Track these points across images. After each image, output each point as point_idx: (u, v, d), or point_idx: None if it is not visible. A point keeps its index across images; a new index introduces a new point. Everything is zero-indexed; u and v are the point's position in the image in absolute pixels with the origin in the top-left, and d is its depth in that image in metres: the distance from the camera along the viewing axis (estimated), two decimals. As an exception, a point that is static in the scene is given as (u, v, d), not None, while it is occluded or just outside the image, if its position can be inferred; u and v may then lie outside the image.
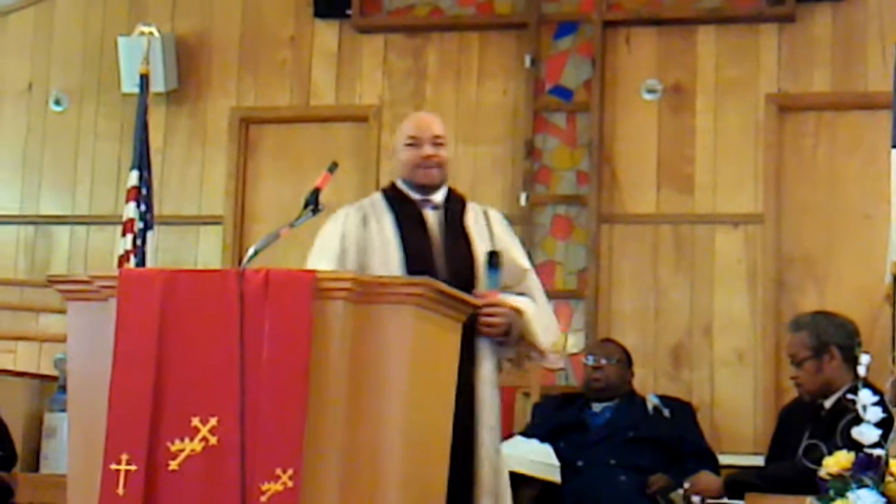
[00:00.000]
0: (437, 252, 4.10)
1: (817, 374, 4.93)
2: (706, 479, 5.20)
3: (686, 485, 5.21)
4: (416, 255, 4.06)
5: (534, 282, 4.25)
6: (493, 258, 4.07)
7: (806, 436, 4.84)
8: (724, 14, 6.87)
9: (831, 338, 4.95)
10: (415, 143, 4.18)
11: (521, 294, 4.17)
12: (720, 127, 6.83)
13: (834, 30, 6.79)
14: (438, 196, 4.21)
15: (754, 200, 6.72)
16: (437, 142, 4.20)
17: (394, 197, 4.21)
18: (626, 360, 5.88)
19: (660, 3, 6.98)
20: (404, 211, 4.17)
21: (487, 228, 4.22)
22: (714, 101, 6.86)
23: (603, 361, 5.78)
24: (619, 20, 7.01)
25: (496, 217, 4.32)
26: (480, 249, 4.13)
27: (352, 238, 4.12)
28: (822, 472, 4.09)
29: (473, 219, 4.23)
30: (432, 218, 4.17)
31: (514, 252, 4.24)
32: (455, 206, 4.23)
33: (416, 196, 4.20)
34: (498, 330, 4.02)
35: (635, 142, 6.92)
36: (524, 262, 4.26)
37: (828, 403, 4.92)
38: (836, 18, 6.79)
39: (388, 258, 4.05)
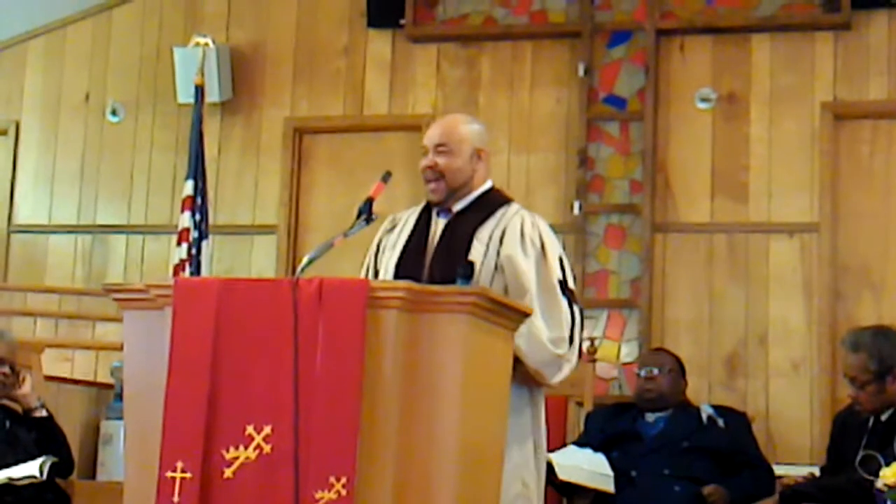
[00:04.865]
0: (427, 260, 3.95)
1: (879, 395, 4.86)
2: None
3: None
4: (407, 263, 3.96)
5: (537, 303, 3.80)
6: (463, 270, 3.69)
7: (862, 446, 4.79)
8: (779, 22, 6.83)
9: (894, 360, 4.86)
10: (425, 152, 4.03)
11: None
12: (775, 135, 6.79)
13: (890, 37, 6.73)
14: (461, 203, 4.01)
15: (809, 209, 6.68)
16: (439, 150, 3.98)
17: (424, 208, 4.12)
18: (679, 369, 5.85)
19: (714, 12, 6.95)
20: (421, 219, 4.08)
21: (500, 238, 3.91)
22: (769, 110, 6.82)
23: (655, 372, 5.75)
24: (673, 28, 6.99)
25: (516, 223, 3.94)
26: (479, 258, 3.88)
27: (375, 244, 4.15)
28: (879, 483, 4.05)
29: (493, 226, 3.94)
30: (438, 226, 4.02)
31: (519, 265, 3.86)
32: (474, 214, 3.99)
33: (437, 205, 4.06)
34: None
35: (689, 150, 6.89)
36: (527, 282, 3.84)
37: (884, 416, 4.88)
38: (892, 26, 6.74)
39: (389, 264, 4.03)
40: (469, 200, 4.03)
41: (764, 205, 6.75)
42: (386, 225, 4.17)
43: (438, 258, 3.95)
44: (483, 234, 3.94)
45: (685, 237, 6.83)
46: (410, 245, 4.03)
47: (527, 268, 3.87)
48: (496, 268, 3.89)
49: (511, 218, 3.98)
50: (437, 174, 3.98)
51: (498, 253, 3.90)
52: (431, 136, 4.04)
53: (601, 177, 6.97)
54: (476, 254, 3.90)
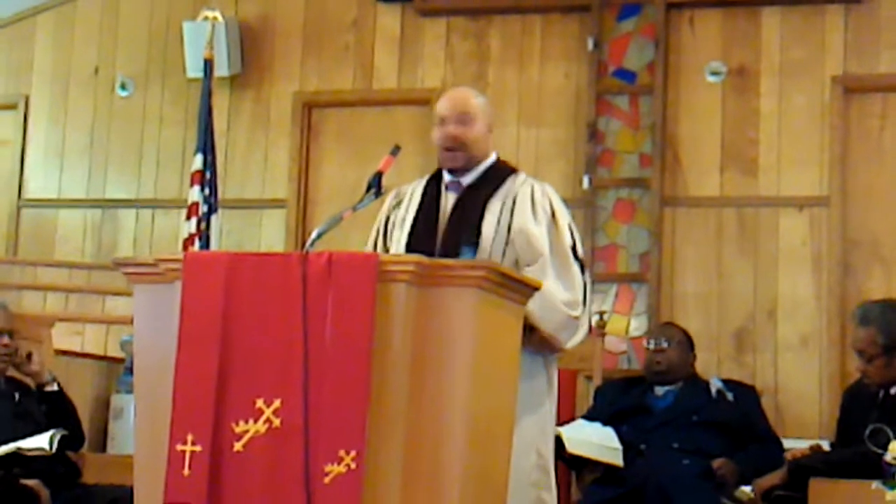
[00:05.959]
0: (439, 233, 3.96)
1: (887, 369, 4.87)
2: (767, 478, 5.16)
3: (748, 489, 5.19)
4: (419, 235, 3.96)
5: (551, 266, 3.86)
6: (467, 238, 3.85)
7: (871, 419, 4.80)
8: (789, -5, 6.81)
9: None
10: (441, 122, 4.01)
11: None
12: (785, 109, 6.77)
13: (901, 10, 6.70)
14: (469, 177, 4.03)
15: (819, 183, 6.66)
16: (463, 119, 3.99)
17: (430, 179, 4.13)
18: (687, 342, 5.85)
19: (724, -15, 6.93)
20: (429, 192, 4.08)
21: (511, 209, 3.94)
22: (779, 83, 6.80)
23: (664, 344, 5.75)
24: (683, 1, 6.96)
25: (525, 191, 3.98)
26: (491, 230, 3.91)
27: (383, 221, 4.15)
28: (888, 457, 4.06)
29: (503, 196, 3.97)
30: (449, 198, 4.03)
31: (531, 232, 3.89)
32: (482, 186, 4.00)
33: (448, 177, 4.06)
34: None
35: (699, 124, 6.87)
36: (541, 246, 3.88)
37: (893, 390, 4.87)
38: (903, -1, 6.71)
39: (400, 238, 4.03)
40: (478, 173, 4.05)
41: (773, 179, 6.74)
42: (391, 200, 4.16)
43: (451, 232, 3.96)
44: (494, 205, 3.97)
45: (694, 211, 6.82)
46: (420, 219, 4.03)
47: (539, 233, 3.90)
48: (507, 240, 3.91)
49: (520, 187, 4.00)
50: (459, 144, 3.99)
51: (509, 224, 3.93)
52: (451, 106, 4.03)
53: (610, 151, 6.96)
54: (488, 226, 3.93)
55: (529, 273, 3.77)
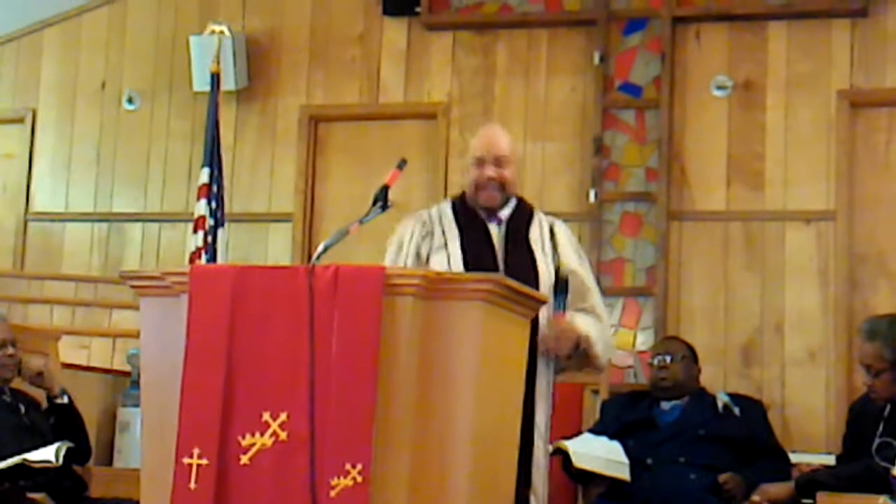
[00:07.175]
0: (500, 266, 4.12)
1: (894, 384, 4.86)
2: (775, 487, 5.15)
3: (756, 497, 5.17)
4: (479, 264, 4.08)
5: (597, 300, 4.32)
6: (562, 282, 4.13)
7: (878, 434, 4.79)
8: (796, 9, 6.80)
9: None
10: (478, 163, 4.23)
11: (585, 310, 4.27)
12: (791, 123, 6.77)
13: (907, 25, 6.70)
14: (505, 211, 4.26)
15: (826, 197, 6.66)
16: (500, 162, 4.21)
17: (461, 210, 4.27)
18: (692, 356, 5.84)
19: (730, -1, 6.94)
20: (470, 224, 4.23)
21: (552, 242, 4.25)
22: (785, 98, 6.80)
23: (668, 360, 5.73)
24: (689, 16, 6.97)
25: (562, 230, 4.33)
26: (543, 264, 4.18)
27: (414, 252, 4.21)
28: (895, 471, 4.05)
29: (538, 232, 4.26)
30: (497, 232, 4.22)
31: (580, 270, 4.28)
32: (520, 221, 4.26)
33: (482, 211, 4.26)
34: (562, 353, 4.14)
35: (705, 138, 6.87)
36: (590, 281, 4.31)
37: (900, 403, 4.87)
38: (909, 13, 6.71)
39: (451, 264, 4.09)
40: (511, 207, 4.28)
41: (780, 193, 6.73)
42: (417, 230, 4.23)
43: (514, 266, 4.08)
44: (534, 236, 4.24)
45: (701, 225, 6.82)
46: (474, 255, 4.16)
47: (584, 273, 4.30)
48: (556, 269, 4.19)
49: (551, 224, 4.32)
50: (498, 185, 4.21)
51: (554, 256, 4.21)
52: (488, 148, 4.24)
53: (617, 165, 6.96)
54: (540, 259, 4.19)
55: (586, 307, 4.24)
